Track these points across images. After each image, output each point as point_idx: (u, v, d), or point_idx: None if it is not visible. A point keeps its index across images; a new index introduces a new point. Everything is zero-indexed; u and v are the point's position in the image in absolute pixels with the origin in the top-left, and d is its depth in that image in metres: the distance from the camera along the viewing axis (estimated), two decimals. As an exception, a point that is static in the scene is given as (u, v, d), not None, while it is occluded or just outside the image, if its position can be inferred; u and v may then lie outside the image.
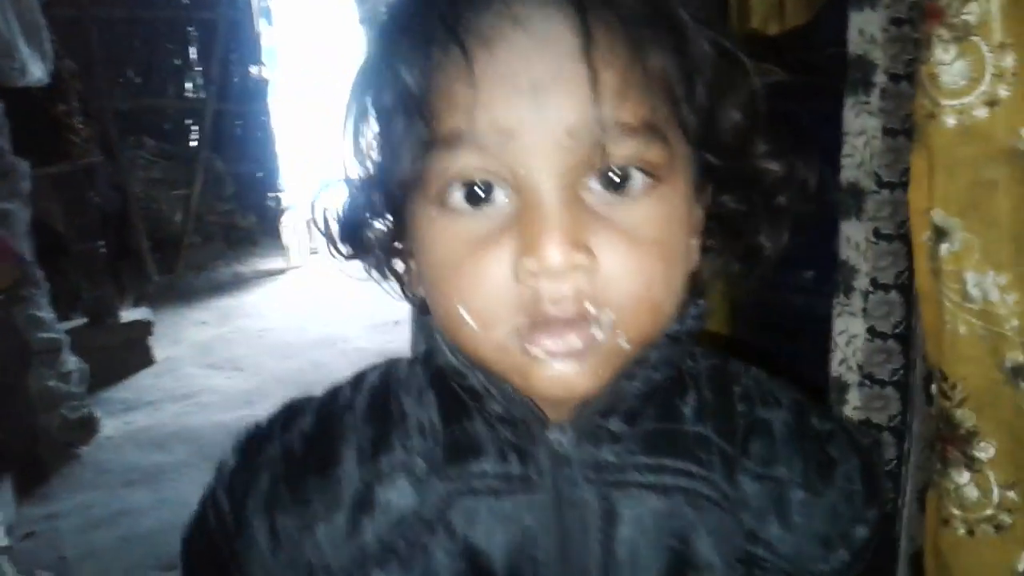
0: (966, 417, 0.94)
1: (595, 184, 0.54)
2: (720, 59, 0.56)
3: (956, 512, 0.98)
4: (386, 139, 0.59)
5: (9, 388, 3.24)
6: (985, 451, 0.95)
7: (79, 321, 4.12)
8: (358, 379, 0.72)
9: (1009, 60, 0.84)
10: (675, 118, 0.55)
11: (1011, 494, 0.94)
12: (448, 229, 0.56)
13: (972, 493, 0.96)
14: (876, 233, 1.16)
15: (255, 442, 0.70)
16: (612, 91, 0.52)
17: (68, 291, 4.23)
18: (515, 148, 0.53)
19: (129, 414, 3.77)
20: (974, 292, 0.91)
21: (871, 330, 1.20)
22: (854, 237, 1.17)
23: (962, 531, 0.98)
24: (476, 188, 0.55)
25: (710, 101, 0.56)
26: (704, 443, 0.63)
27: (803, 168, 0.61)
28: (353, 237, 0.66)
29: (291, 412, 0.71)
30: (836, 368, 1.23)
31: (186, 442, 3.47)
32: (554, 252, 0.51)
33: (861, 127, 1.12)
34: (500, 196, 0.55)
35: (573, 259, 0.51)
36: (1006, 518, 0.95)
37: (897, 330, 1.19)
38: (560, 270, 0.51)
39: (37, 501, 3.09)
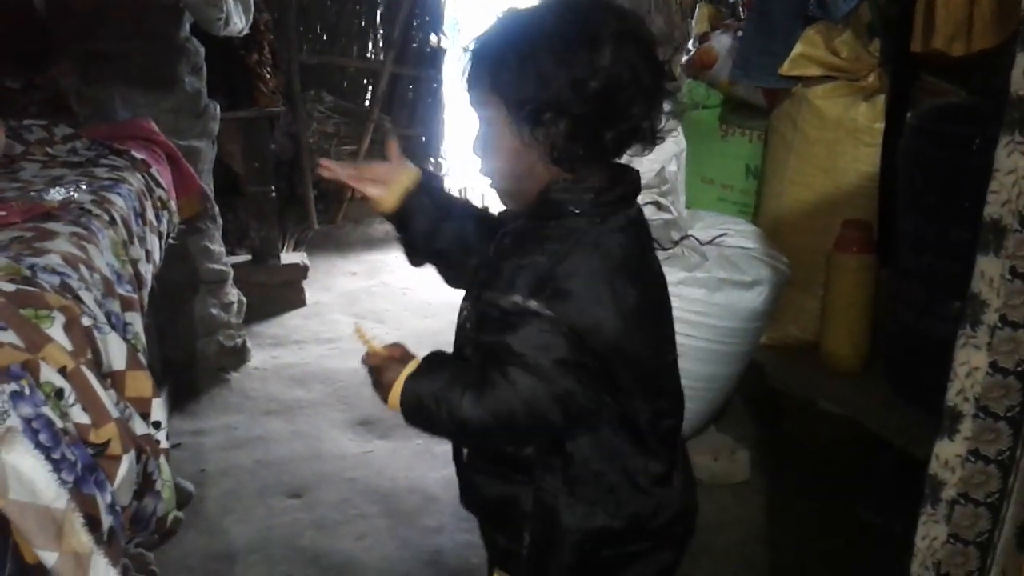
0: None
1: None
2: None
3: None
4: None
5: (176, 310, 3.47)
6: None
7: (243, 257, 4.34)
8: None
9: None
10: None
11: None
12: None
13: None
14: (1012, 271, 1.15)
15: None
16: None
17: (237, 228, 4.47)
18: None
19: (277, 349, 3.94)
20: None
21: (993, 364, 1.19)
22: (989, 272, 1.16)
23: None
24: None
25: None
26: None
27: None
28: None
29: None
30: (952, 397, 1.22)
31: (324, 382, 3.61)
32: None
33: (1012, 166, 1.11)
34: None
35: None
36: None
37: (1020, 368, 1.17)
38: None
39: (186, 416, 3.30)
